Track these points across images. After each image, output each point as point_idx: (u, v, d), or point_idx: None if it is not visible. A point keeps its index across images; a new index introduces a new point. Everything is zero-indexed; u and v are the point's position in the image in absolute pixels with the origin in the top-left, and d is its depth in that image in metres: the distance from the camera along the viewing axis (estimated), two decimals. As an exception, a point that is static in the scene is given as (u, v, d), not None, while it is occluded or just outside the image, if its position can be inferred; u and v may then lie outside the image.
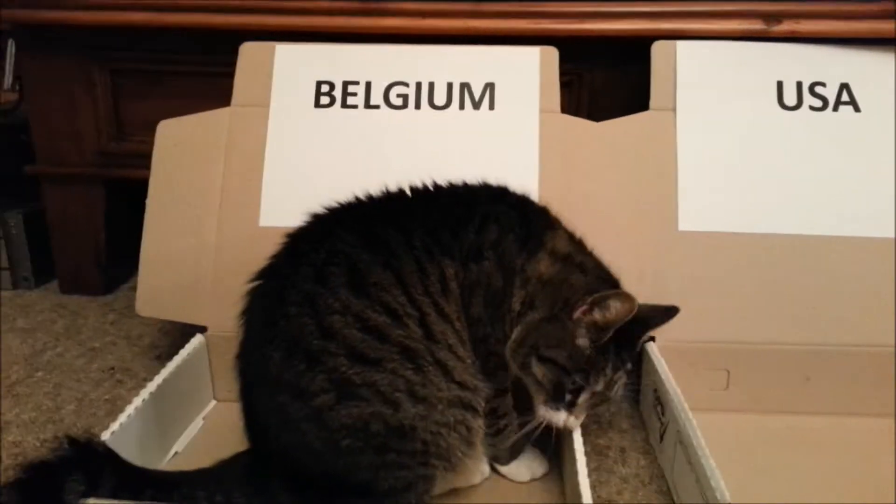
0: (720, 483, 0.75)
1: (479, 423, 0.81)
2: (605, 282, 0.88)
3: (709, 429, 1.02)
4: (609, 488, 0.91)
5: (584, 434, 1.02)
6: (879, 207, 1.08)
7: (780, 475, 0.95)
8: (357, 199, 0.88)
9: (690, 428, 0.85)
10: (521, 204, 0.92)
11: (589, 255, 0.91)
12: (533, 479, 0.91)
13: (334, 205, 0.87)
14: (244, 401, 0.80)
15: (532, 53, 1.16)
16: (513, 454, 0.91)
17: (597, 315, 0.81)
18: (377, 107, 1.14)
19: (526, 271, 0.85)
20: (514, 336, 0.84)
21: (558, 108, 1.14)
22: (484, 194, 0.91)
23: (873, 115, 1.11)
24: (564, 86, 1.22)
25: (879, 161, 1.09)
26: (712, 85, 1.13)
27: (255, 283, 0.82)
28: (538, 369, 0.83)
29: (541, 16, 1.20)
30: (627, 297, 0.80)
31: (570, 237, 0.92)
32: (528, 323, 0.84)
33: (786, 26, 1.13)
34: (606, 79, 1.26)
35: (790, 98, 1.12)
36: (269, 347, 0.76)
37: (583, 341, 0.82)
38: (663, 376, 0.96)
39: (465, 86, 1.15)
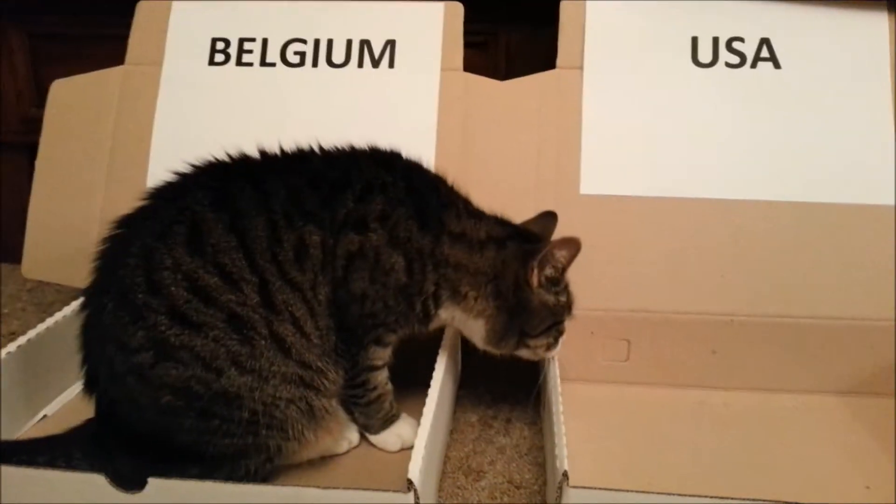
0: (563, 451, 0.70)
1: (322, 403, 0.78)
2: (520, 236, 0.85)
3: (606, 401, 1.00)
4: (482, 458, 0.88)
5: (476, 404, 0.99)
6: (795, 170, 1.01)
7: (681, 450, 0.90)
8: (228, 156, 0.83)
9: (554, 394, 0.80)
10: (410, 174, 0.84)
11: (483, 218, 0.85)
12: (403, 449, 0.87)
13: (203, 161, 0.82)
14: (82, 349, 0.77)
15: (436, 9, 1.11)
16: (384, 424, 0.88)
17: (548, 271, 0.83)
18: (273, 64, 1.10)
19: (436, 255, 0.80)
20: (485, 334, 0.84)
21: (461, 66, 1.09)
22: (368, 160, 0.83)
23: (794, 72, 1.04)
24: (479, 46, 1.18)
25: (798, 120, 1.03)
26: (622, 43, 1.07)
27: (111, 231, 0.79)
28: (536, 345, 0.85)
29: (450, -29, 1.14)
30: (567, 242, 0.82)
31: (464, 207, 0.85)
32: (490, 318, 0.83)
33: (703, -22, 1.07)
34: (523, 39, 1.21)
35: (705, 55, 1.06)
36: (105, 296, 0.74)
37: (550, 297, 0.84)
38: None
39: (364, 43, 1.10)
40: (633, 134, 1.04)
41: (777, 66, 1.05)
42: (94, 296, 0.76)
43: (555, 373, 0.87)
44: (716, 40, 1.06)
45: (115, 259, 0.75)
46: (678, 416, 0.97)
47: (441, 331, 0.92)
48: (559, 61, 1.08)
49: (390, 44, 1.10)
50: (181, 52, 1.11)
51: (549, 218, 0.90)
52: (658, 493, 0.66)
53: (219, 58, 1.10)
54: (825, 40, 1.05)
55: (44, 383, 0.94)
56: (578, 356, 0.97)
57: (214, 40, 1.11)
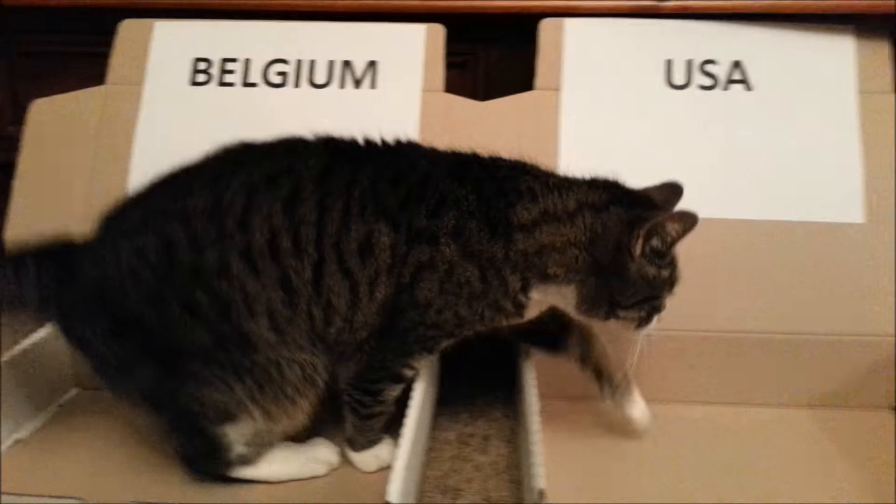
0: (539, 469, 0.71)
1: (309, 397, 0.82)
2: (630, 201, 0.81)
3: (584, 417, 1.01)
4: (459, 476, 0.88)
5: (453, 422, 1.00)
6: (766, 189, 1.04)
7: (659, 465, 0.92)
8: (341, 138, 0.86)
9: (531, 411, 0.81)
10: (480, 183, 0.82)
11: (572, 187, 0.82)
12: (380, 469, 0.88)
13: (324, 135, 0.86)
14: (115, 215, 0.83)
15: (417, 31, 1.12)
16: (368, 444, 0.88)
17: (655, 241, 0.78)
18: (255, 85, 1.11)
19: (510, 257, 0.79)
20: (577, 301, 0.81)
21: (442, 87, 1.10)
22: (444, 169, 0.83)
23: (766, 94, 1.07)
24: (459, 66, 1.19)
25: (769, 141, 1.05)
26: (599, 64, 1.09)
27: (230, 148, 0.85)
28: (627, 317, 0.81)
29: (429, -7, 1.16)
30: (682, 216, 0.77)
31: (543, 186, 0.81)
32: (580, 284, 0.80)
33: (676, 1, 1.09)
34: (502, 58, 1.23)
35: (679, 77, 1.08)
36: (198, 195, 0.78)
37: (651, 269, 0.79)
38: (520, 360, 0.92)
39: (346, 63, 1.11)
40: (609, 155, 1.06)
41: (749, 87, 1.07)
42: (188, 184, 0.81)
43: (531, 389, 0.87)
44: (689, 63, 1.09)
45: (220, 173, 0.80)
46: (657, 430, 0.98)
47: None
48: (537, 82, 1.10)
49: (372, 65, 1.11)
50: (163, 72, 1.11)
51: (673, 189, 0.86)
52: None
53: (201, 78, 1.11)
54: (794, 62, 1.08)
55: (14, 405, 0.94)
56: (556, 373, 0.98)
57: (196, 60, 1.12)
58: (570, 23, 1.11)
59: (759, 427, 0.99)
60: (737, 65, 1.08)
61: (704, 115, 1.06)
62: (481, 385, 1.05)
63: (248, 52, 1.12)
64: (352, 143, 0.85)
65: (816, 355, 1.00)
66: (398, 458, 0.72)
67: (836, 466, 0.92)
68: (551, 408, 0.96)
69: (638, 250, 0.78)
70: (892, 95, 1.06)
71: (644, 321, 0.82)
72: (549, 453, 0.75)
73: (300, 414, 0.84)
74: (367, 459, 0.88)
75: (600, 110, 1.08)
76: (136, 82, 1.11)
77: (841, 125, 1.05)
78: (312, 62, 1.12)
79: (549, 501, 0.68)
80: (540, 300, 0.83)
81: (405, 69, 1.11)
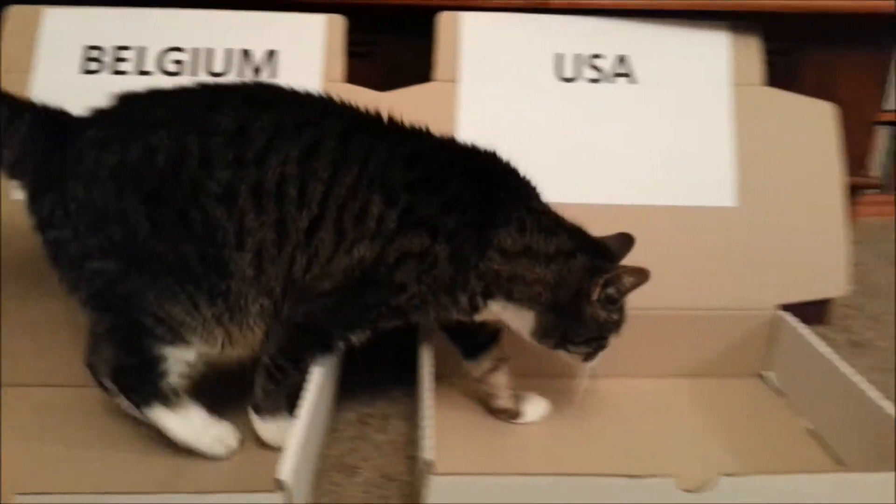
0: (430, 442, 0.75)
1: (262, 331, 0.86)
2: (593, 249, 0.88)
3: (479, 395, 1.05)
4: (358, 455, 0.91)
5: (354, 403, 1.03)
6: (649, 176, 1.11)
7: (547, 435, 0.97)
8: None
9: (424, 388, 0.85)
10: (492, 192, 0.87)
11: (556, 232, 0.88)
12: (278, 443, 0.88)
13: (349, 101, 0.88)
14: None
15: (317, 21, 1.13)
16: (274, 412, 0.89)
17: (611, 291, 0.85)
18: (150, 73, 1.10)
19: (480, 268, 0.85)
20: (532, 328, 0.87)
21: (343, 77, 1.12)
22: (461, 166, 0.88)
23: (649, 86, 1.14)
24: (361, 56, 1.21)
25: (652, 131, 1.12)
26: (494, 57, 1.14)
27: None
28: (575, 351, 0.89)
29: (330, -16, 1.17)
30: (637, 271, 0.85)
31: (537, 221, 0.88)
32: (539, 315, 0.86)
33: (566, -2, 1.15)
34: (403, 50, 1.25)
35: (568, 70, 1.14)
36: (215, 121, 0.80)
37: (602, 313, 0.86)
38: (421, 339, 0.96)
39: (245, 53, 1.12)
40: (503, 145, 1.10)
41: (633, 80, 1.14)
42: (218, 100, 0.83)
43: (427, 367, 0.91)
44: (578, 57, 1.14)
45: (253, 102, 0.83)
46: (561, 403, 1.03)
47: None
48: (435, 74, 1.13)
49: (271, 54, 1.12)
50: (53, 60, 1.08)
51: (626, 239, 0.94)
52: (512, 475, 0.72)
53: (92, 66, 1.09)
54: (675, 57, 1.15)
55: None
56: (454, 352, 1.02)
57: (88, 48, 1.09)
58: (466, 16, 1.14)
59: (640, 397, 1.07)
60: (622, 59, 1.15)
61: (592, 107, 1.12)
62: (383, 366, 1.07)
63: (142, 39, 1.11)
64: (375, 117, 0.89)
65: (694, 329, 1.08)
66: (292, 437, 0.74)
67: (709, 430, 1.00)
68: (447, 387, 1.00)
69: (595, 296, 0.85)
70: (763, 87, 1.15)
71: (590, 356, 0.90)
72: (443, 429, 0.79)
73: (255, 343, 0.86)
74: (269, 428, 0.89)
75: (496, 102, 1.12)
76: (25, 70, 1.08)
77: (716, 115, 1.13)
78: (210, 51, 1.11)
79: (438, 472, 0.71)
80: (497, 313, 0.89)
81: (306, 59, 1.12)
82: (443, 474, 0.71)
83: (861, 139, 1.24)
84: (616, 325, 0.89)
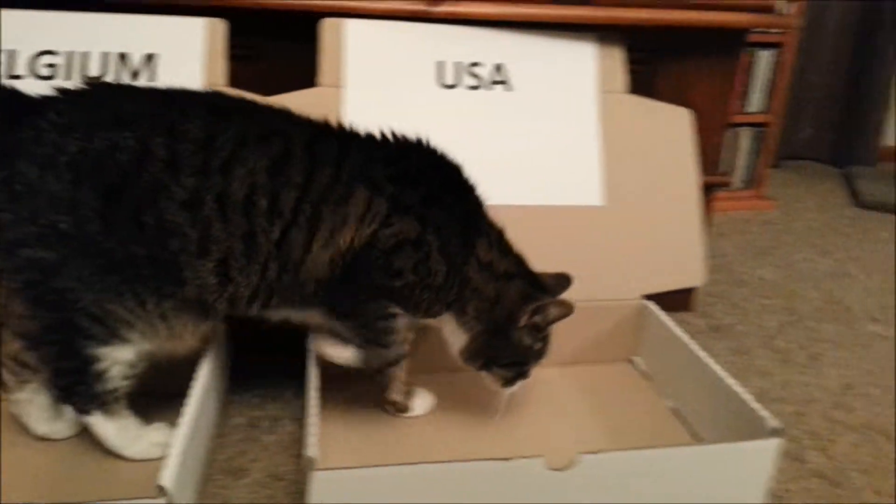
0: (313, 439, 0.78)
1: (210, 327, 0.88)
2: (530, 280, 0.95)
3: (367, 392, 1.08)
4: (246, 457, 0.93)
5: (244, 407, 1.04)
6: (525, 178, 1.17)
7: (429, 427, 1.02)
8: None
9: (310, 388, 0.88)
10: (464, 201, 0.94)
11: (508, 254, 0.96)
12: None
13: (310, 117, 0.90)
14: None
15: (197, 25, 1.13)
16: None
17: (538, 319, 0.93)
18: (21, 77, 1.06)
19: (463, 274, 0.91)
20: (463, 346, 0.94)
21: (225, 81, 1.12)
22: (434, 169, 0.93)
23: (524, 93, 1.21)
24: (247, 59, 1.21)
25: (527, 135, 1.19)
26: (378, 63, 1.17)
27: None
28: (496, 374, 0.96)
29: (211, -13, 1.17)
30: (562, 304, 0.94)
31: (496, 238, 0.96)
32: (475, 335, 0.93)
33: (446, 7, 1.19)
34: (284, 53, 1.26)
35: (449, 77, 1.19)
36: (174, 128, 0.79)
37: (527, 340, 0.94)
38: (309, 340, 0.99)
39: (122, 56, 1.10)
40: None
41: (509, 87, 1.21)
42: (186, 105, 0.82)
43: (313, 368, 0.94)
44: (458, 64, 1.20)
45: (218, 109, 0.83)
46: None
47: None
48: (320, 79, 1.15)
49: (150, 57, 1.11)
50: None
51: (564, 280, 1.00)
52: (390, 466, 0.77)
53: (-45, 68, 1.04)
54: (547, 65, 1.22)
55: None
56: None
57: (-51, 49, 1.05)
58: (350, 23, 1.17)
59: (521, 386, 1.12)
60: (499, 67, 1.21)
61: (472, 113, 1.18)
62: (273, 369, 1.09)
63: (12, 42, 1.07)
64: (337, 126, 0.91)
65: (569, 320, 1.14)
66: (174, 444, 0.75)
67: (585, 413, 1.08)
68: (338, 386, 1.03)
69: (523, 322, 0.92)
70: (626, 94, 1.24)
71: (510, 381, 0.96)
72: (330, 427, 0.82)
73: (198, 338, 0.87)
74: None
75: (380, 107, 1.15)
76: None
77: (584, 120, 1.21)
78: (85, 54, 1.09)
79: (321, 467, 0.74)
80: (442, 321, 0.94)
81: (186, 63, 1.12)
82: (325, 469, 0.74)
83: (713, 141, 1.36)
84: (538, 355, 0.96)
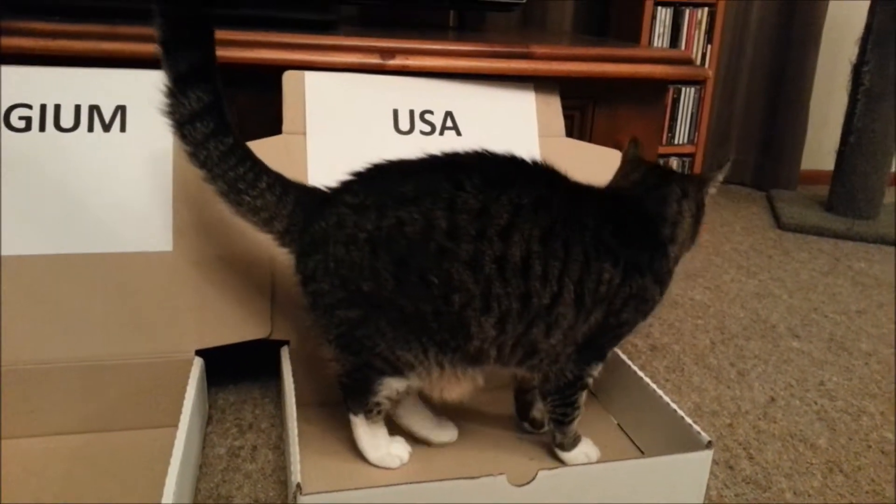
0: (297, 466, 0.85)
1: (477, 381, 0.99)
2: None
3: (340, 420, 1.14)
4: (231, 485, 0.98)
5: (223, 438, 1.09)
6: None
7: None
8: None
9: (289, 416, 0.94)
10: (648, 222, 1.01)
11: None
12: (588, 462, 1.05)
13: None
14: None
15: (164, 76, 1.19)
16: (575, 441, 1.07)
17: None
18: (-5, 130, 1.10)
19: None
20: None
21: (193, 131, 1.18)
22: (626, 212, 1.00)
23: (473, 138, 1.31)
24: (211, 109, 1.27)
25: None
26: (338, 112, 1.26)
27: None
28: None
29: (178, 42, 1.23)
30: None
31: None
32: None
33: (398, 61, 1.30)
34: (252, 102, 1.33)
35: (404, 124, 1.29)
36: (428, 208, 0.91)
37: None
38: (281, 373, 1.05)
39: (94, 108, 1.15)
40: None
41: (459, 133, 1.31)
42: (459, 176, 0.93)
43: (291, 398, 1.00)
44: (412, 112, 1.29)
45: (493, 180, 0.93)
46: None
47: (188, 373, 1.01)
48: (284, 127, 1.23)
49: (121, 109, 1.17)
50: None
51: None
52: (368, 488, 0.84)
53: (-71, 123, 1.08)
54: (491, 112, 1.34)
55: None
56: (314, 382, 1.12)
57: (-77, 105, 1.08)
58: (309, 75, 1.26)
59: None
60: (449, 114, 1.31)
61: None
62: (249, 400, 1.15)
63: (-15, 97, 1.11)
64: (568, 181, 0.99)
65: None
66: (168, 476, 0.81)
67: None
68: (310, 413, 1.10)
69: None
70: (563, 138, 1.36)
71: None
72: (307, 453, 0.89)
73: (468, 389, 1.00)
74: (577, 456, 1.05)
75: (342, 152, 1.24)
76: None
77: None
78: (58, 107, 1.14)
79: (306, 492, 0.81)
80: None
81: (155, 114, 1.17)
82: (311, 493, 0.81)
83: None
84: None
